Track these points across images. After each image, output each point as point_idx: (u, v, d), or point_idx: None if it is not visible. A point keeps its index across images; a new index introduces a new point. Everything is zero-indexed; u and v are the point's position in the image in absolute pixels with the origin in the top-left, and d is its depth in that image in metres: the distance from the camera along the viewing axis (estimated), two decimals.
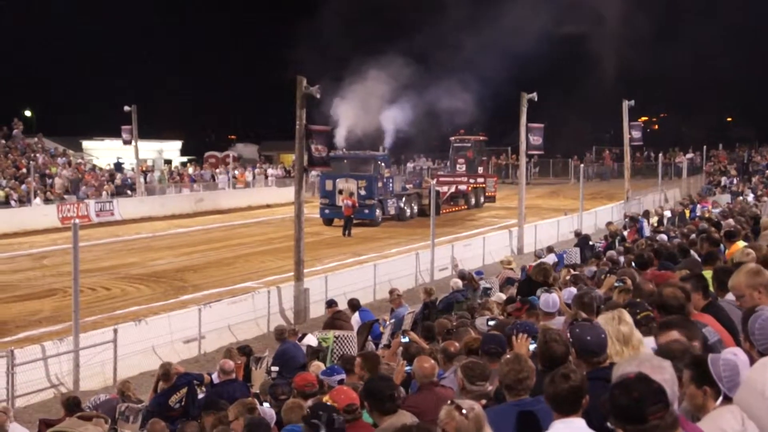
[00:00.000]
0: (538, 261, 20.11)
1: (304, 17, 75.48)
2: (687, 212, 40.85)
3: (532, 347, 8.50)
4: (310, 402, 9.71)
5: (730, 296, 9.04)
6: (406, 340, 13.63)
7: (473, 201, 60.91)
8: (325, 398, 8.73)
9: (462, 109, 62.04)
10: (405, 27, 74.59)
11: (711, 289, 9.58)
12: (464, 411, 5.78)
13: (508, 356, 7.64)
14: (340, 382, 10.62)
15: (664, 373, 5.09)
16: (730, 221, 24.08)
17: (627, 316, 7.21)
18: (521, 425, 6.53)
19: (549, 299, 12.15)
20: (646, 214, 38.24)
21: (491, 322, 12.60)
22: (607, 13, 72.51)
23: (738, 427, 5.21)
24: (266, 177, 72.83)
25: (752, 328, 6.24)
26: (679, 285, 8.60)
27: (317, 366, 13.91)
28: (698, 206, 42.98)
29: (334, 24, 64.84)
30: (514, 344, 8.80)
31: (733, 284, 8.15)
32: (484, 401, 7.69)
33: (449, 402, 5.95)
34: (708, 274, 10.18)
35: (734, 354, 5.69)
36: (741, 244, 14.63)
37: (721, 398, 5.38)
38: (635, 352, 6.86)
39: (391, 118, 58.07)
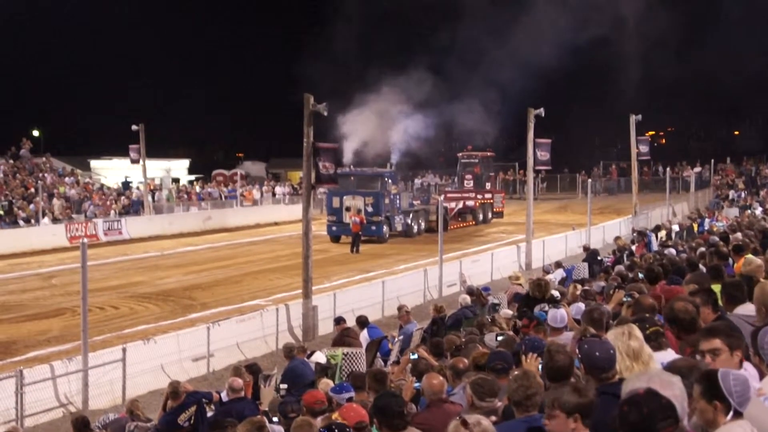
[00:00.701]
0: (536, 277, 20.01)
1: (313, 34, 75.85)
2: (695, 226, 40.83)
3: (541, 367, 8.51)
4: (319, 420, 9.70)
5: (738, 310, 9.06)
6: (416, 356, 13.63)
7: (481, 217, 60.92)
8: (335, 415, 8.72)
9: (471, 125, 62.12)
10: (415, 43, 74.83)
11: (720, 303, 9.59)
12: (470, 426, 5.78)
13: (516, 373, 7.65)
14: (349, 399, 10.63)
15: (673, 389, 5.08)
16: (738, 235, 24.03)
17: (637, 332, 7.22)
18: None
19: (557, 315, 12.14)
20: (657, 229, 38.22)
21: (499, 338, 12.59)
22: (615, 30, 72.52)
23: None
24: (274, 195, 72.89)
25: (762, 343, 6.24)
26: (689, 299, 8.61)
27: (326, 383, 13.90)
28: (707, 220, 42.97)
29: (343, 40, 65.04)
30: (523, 364, 8.81)
31: (755, 297, 8.23)
32: (494, 418, 7.69)
33: (457, 417, 5.95)
34: (716, 288, 10.17)
35: (743, 369, 5.68)
36: (749, 257, 14.60)
37: (731, 413, 5.36)
38: (645, 367, 6.85)
39: (398, 135, 58.10)
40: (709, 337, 6.76)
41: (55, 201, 55.18)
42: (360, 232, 47.01)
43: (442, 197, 48.51)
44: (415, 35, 78.81)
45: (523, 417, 6.89)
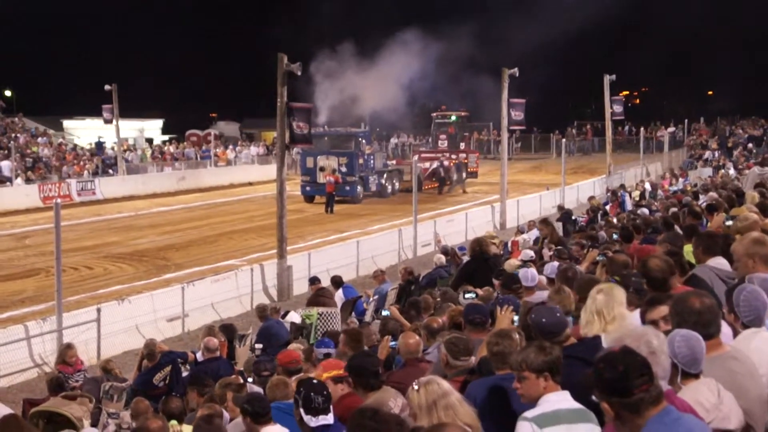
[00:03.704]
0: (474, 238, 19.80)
1: None
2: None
3: (516, 318, 8.56)
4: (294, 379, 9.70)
5: (710, 262, 9.14)
6: (387, 313, 13.67)
7: (455, 177, 60.81)
8: (317, 372, 8.77)
9: (443, 85, 61.95)
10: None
11: (692, 257, 9.68)
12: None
13: (496, 330, 7.69)
14: (326, 355, 10.68)
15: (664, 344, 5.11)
16: (712, 194, 24.13)
17: (616, 290, 7.25)
18: (509, 398, 6.53)
19: (527, 274, 12.15)
20: (622, 188, 38.42)
21: (467, 295, 12.57)
22: None
23: (714, 399, 5.26)
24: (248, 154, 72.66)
25: (737, 301, 6.28)
26: (663, 258, 8.59)
27: (301, 343, 13.96)
28: (666, 184, 43.27)
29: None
30: (498, 316, 8.81)
31: (734, 248, 8.25)
32: (467, 376, 7.72)
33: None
34: (689, 248, 10.21)
35: None
36: (723, 216, 14.67)
37: (679, 375, 5.41)
38: (613, 325, 6.89)
39: (372, 95, 57.74)
40: (656, 305, 6.77)
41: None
42: (334, 192, 47.02)
43: (416, 157, 48.31)
44: None
45: (501, 374, 6.91)
